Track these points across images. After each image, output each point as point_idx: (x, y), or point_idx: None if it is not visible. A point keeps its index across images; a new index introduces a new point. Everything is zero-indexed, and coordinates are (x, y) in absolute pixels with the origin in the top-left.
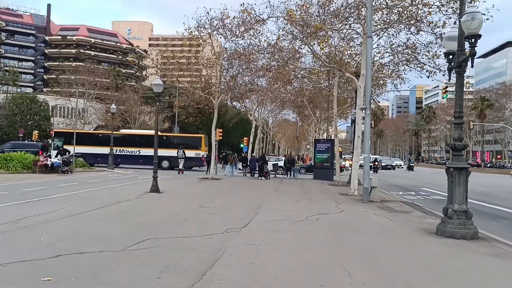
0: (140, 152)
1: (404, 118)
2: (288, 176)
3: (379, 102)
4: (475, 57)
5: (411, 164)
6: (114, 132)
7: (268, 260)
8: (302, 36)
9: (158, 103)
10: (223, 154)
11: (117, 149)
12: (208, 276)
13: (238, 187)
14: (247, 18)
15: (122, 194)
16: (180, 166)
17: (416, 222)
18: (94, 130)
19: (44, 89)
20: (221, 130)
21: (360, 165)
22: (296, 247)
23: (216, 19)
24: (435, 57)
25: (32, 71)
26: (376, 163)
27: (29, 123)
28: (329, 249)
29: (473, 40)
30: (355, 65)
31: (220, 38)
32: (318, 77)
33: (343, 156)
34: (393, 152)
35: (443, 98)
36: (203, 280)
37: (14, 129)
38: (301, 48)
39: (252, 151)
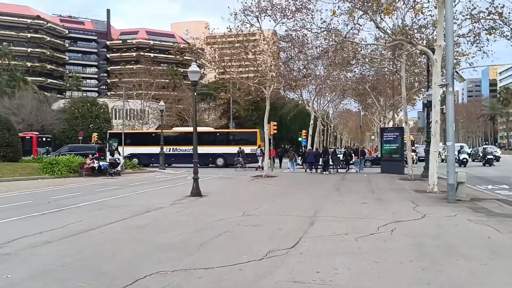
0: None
1: (477, 103)
2: (347, 169)
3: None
4: None
5: None
6: (166, 130)
7: None
8: (362, 2)
9: (195, 93)
10: (280, 148)
11: (170, 148)
12: None
13: (294, 186)
14: None
15: (157, 200)
16: (260, 164)
17: None
18: (155, 130)
19: (108, 93)
20: (275, 123)
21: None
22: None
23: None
24: None
25: (96, 76)
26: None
27: (90, 125)
28: None
29: None
30: (425, 40)
31: (270, 21)
32: (381, 58)
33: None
34: (464, 139)
35: None
36: None
37: (76, 132)
38: (359, 25)
39: (312, 144)
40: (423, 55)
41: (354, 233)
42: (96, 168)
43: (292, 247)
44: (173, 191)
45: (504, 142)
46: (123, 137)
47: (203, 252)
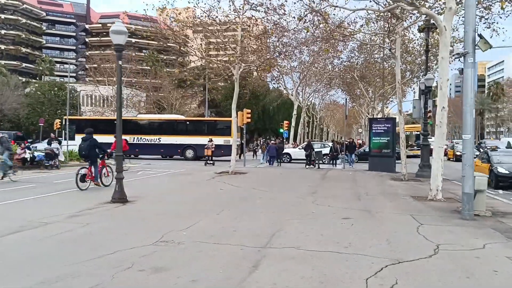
0: (160, 140)
1: None
2: (333, 166)
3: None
4: None
5: None
6: (129, 117)
7: None
8: None
9: (120, 62)
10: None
11: (134, 137)
12: None
13: (261, 187)
14: None
15: (58, 209)
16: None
17: None
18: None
19: (87, 79)
20: (249, 111)
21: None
22: None
23: None
24: None
25: (74, 61)
26: None
27: (58, 111)
28: None
29: None
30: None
31: None
32: (372, 33)
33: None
34: (451, 134)
35: None
36: None
37: (42, 117)
38: None
39: (295, 137)
40: (421, 33)
41: None
42: (28, 159)
43: None
44: (96, 194)
45: (491, 138)
46: (67, 123)
47: None
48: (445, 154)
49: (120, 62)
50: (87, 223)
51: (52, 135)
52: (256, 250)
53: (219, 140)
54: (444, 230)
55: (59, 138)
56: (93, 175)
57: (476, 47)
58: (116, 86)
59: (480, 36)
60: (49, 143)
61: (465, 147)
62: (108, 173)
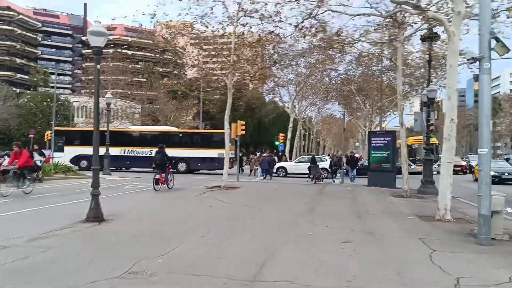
0: (151, 153)
1: (462, 113)
2: (334, 181)
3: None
4: None
5: None
6: (120, 129)
7: None
8: None
9: (98, 65)
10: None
11: (125, 150)
12: None
13: (254, 204)
14: None
15: (22, 229)
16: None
17: None
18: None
19: (82, 91)
20: (243, 123)
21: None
22: None
23: None
24: None
25: (70, 73)
26: None
27: (50, 123)
28: None
29: None
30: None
31: None
32: (371, 42)
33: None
34: None
35: None
36: None
37: (34, 129)
38: None
39: (291, 150)
40: (424, 42)
41: None
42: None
43: None
44: (72, 211)
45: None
46: (53, 134)
47: None
48: (470, 172)
49: (98, 67)
50: (50, 248)
51: (35, 146)
52: (243, 284)
53: (212, 153)
54: (461, 259)
55: (43, 151)
56: (164, 179)
57: (493, 51)
58: (106, 96)
59: (497, 39)
60: (31, 156)
61: (481, 163)
62: (171, 178)
